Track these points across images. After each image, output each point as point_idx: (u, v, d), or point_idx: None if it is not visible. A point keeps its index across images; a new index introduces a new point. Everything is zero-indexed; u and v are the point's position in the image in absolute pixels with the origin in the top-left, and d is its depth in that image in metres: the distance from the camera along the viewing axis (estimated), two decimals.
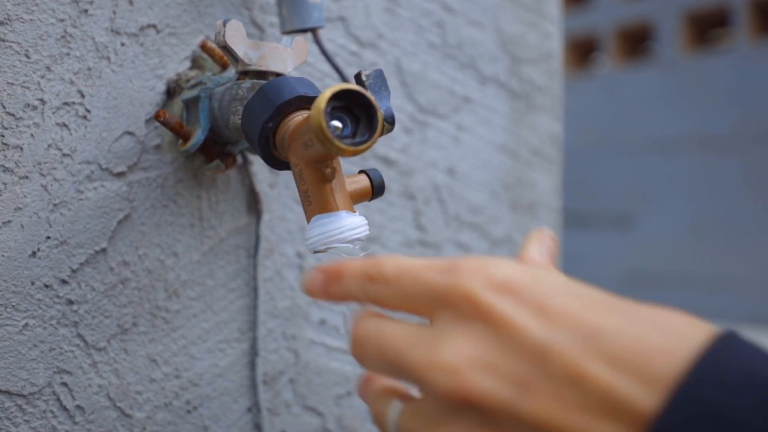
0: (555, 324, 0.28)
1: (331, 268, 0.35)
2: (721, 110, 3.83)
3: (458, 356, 0.29)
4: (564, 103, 0.88)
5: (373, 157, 0.66)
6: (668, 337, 0.27)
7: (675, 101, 3.99)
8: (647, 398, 0.26)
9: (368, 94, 0.39)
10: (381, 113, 0.40)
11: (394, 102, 0.68)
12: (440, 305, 0.31)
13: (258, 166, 0.58)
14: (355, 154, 0.38)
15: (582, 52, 4.45)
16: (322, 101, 0.37)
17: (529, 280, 0.30)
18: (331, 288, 0.35)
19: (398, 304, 0.33)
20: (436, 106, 0.71)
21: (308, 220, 0.43)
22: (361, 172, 0.46)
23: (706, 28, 4.05)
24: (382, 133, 0.42)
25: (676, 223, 4.04)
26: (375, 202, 0.66)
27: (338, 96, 0.38)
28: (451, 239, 0.72)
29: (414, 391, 0.33)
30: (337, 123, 0.39)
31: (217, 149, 0.52)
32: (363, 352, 0.33)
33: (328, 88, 0.38)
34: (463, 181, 0.74)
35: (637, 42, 4.27)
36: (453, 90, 0.73)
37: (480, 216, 0.75)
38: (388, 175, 0.67)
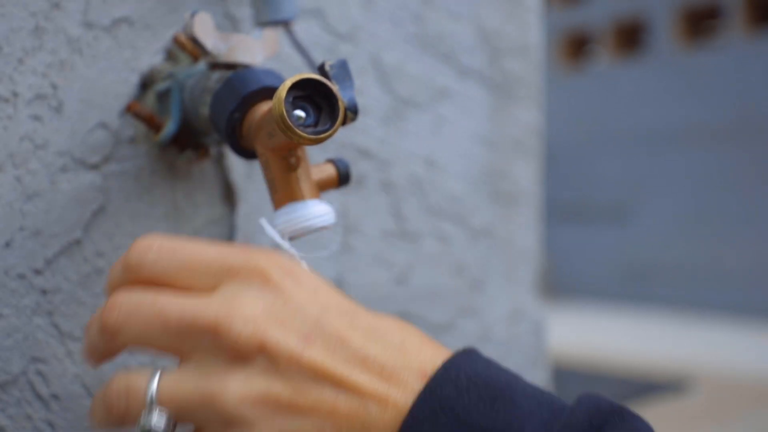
0: (325, 303, 0.37)
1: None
2: (716, 103, 3.83)
3: (255, 310, 0.35)
4: (547, 95, 0.89)
5: (351, 148, 0.66)
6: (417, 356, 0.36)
7: (670, 95, 3.99)
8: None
9: (330, 83, 0.39)
10: (343, 103, 0.40)
11: (372, 94, 0.68)
12: (227, 276, 0.37)
13: (234, 157, 0.58)
14: (316, 142, 0.39)
15: (577, 46, 4.46)
16: (283, 90, 0.38)
17: (307, 272, 0.38)
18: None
19: (173, 275, 0.37)
20: (414, 97, 0.72)
21: (275, 209, 0.43)
22: (328, 161, 0.46)
23: (701, 22, 4.05)
24: (345, 123, 0.43)
25: (672, 216, 4.05)
26: (353, 193, 0.66)
27: (300, 85, 0.39)
28: (431, 229, 0.73)
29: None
30: (300, 112, 0.39)
31: (189, 140, 0.52)
32: (130, 322, 0.37)
33: (290, 77, 0.38)
34: (442, 172, 0.74)
35: (632, 36, 4.27)
36: (432, 82, 0.73)
37: (460, 206, 0.76)
38: (366, 167, 0.68)
